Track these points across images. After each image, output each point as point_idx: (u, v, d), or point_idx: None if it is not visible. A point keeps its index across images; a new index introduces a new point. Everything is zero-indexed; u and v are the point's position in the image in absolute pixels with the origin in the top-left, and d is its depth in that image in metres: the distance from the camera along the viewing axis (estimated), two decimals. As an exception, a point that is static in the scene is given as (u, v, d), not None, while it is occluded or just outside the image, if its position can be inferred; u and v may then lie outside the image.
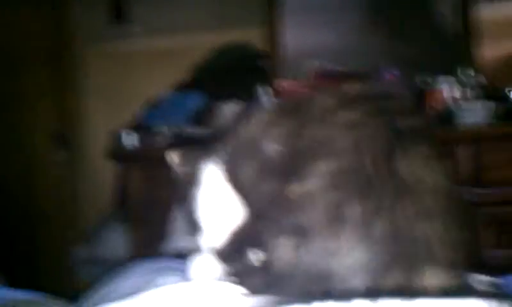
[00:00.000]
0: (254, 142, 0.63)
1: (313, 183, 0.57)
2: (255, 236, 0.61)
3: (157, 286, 0.64)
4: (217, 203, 0.66)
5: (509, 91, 2.07)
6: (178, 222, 1.86)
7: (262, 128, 0.64)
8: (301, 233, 0.56)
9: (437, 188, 0.58)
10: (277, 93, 2.26)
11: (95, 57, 2.91)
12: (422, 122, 0.64)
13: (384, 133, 0.59)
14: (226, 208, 0.65)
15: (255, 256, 0.61)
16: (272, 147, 0.62)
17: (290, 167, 0.59)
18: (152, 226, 2.03)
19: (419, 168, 0.58)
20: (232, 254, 0.64)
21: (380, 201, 0.55)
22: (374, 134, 0.58)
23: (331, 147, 0.58)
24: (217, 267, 0.65)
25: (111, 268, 0.90)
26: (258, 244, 0.61)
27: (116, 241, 2.34)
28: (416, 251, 0.55)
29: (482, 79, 2.21)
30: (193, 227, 0.69)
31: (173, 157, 0.74)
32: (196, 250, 0.69)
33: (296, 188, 0.58)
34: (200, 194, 0.68)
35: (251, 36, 2.54)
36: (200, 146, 0.73)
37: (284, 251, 0.57)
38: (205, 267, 0.66)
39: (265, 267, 0.59)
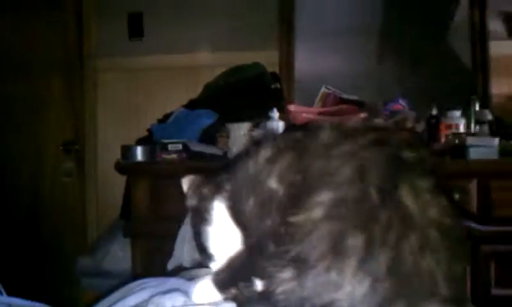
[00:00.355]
0: (256, 178, 0.65)
1: (315, 213, 0.56)
2: (255, 266, 0.61)
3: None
4: (221, 237, 0.68)
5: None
6: (182, 238, 1.86)
7: (264, 164, 0.65)
8: (302, 263, 0.55)
9: (441, 222, 0.57)
10: (287, 117, 2.27)
11: (110, 71, 2.94)
12: (427, 155, 0.64)
13: (387, 164, 0.58)
14: (228, 242, 0.67)
15: (252, 286, 0.62)
16: (273, 182, 0.63)
17: (292, 199, 0.59)
18: (156, 240, 2.03)
19: (424, 201, 0.57)
20: (228, 281, 0.66)
21: (385, 232, 0.54)
22: (376, 164, 0.58)
23: (332, 177, 0.58)
24: (218, 293, 0.67)
25: (114, 280, 0.90)
26: (258, 273, 0.61)
27: (120, 254, 2.34)
28: (420, 285, 0.54)
29: (494, 115, 2.21)
30: (200, 253, 0.72)
31: (184, 184, 0.76)
32: (200, 274, 0.71)
33: (297, 219, 0.57)
34: (206, 228, 0.69)
35: (264, 58, 2.56)
36: (207, 175, 0.74)
37: (285, 281, 0.56)
38: (208, 291, 0.67)
39: (266, 296, 0.58)
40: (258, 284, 0.62)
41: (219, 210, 0.69)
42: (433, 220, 0.57)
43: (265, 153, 0.66)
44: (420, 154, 0.61)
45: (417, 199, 0.56)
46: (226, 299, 0.65)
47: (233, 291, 0.65)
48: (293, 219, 0.58)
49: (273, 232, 0.60)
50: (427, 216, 0.56)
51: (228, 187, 0.69)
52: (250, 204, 0.64)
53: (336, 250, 0.54)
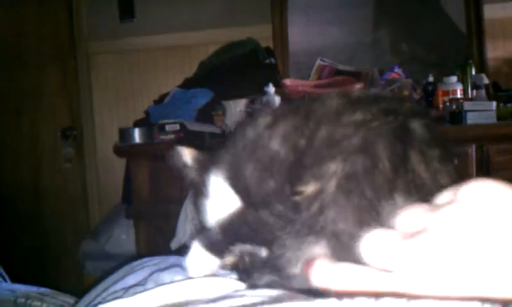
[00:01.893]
0: (256, 142, 0.62)
1: (329, 184, 0.54)
2: (259, 226, 0.59)
3: (164, 283, 0.64)
4: (219, 211, 0.65)
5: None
6: (184, 218, 1.87)
7: (264, 128, 0.62)
8: (334, 237, 0.53)
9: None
10: (283, 91, 2.26)
11: (103, 54, 2.93)
12: (432, 123, 0.62)
13: (397, 133, 0.56)
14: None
15: (254, 251, 0.59)
16: (275, 144, 0.60)
17: (298, 164, 0.57)
18: (159, 221, 2.05)
19: (435, 169, 0.56)
20: (224, 245, 0.62)
21: (404, 200, 0.52)
22: (387, 134, 0.56)
23: (341, 147, 0.55)
24: (213, 261, 0.64)
25: (117, 263, 0.91)
26: (263, 236, 0.59)
27: (123, 236, 2.36)
28: None
29: (490, 79, 2.20)
30: (199, 228, 0.68)
31: (185, 154, 0.71)
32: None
33: (309, 189, 0.55)
34: (204, 202, 0.66)
35: (257, 33, 2.55)
36: (207, 148, 0.71)
37: (292, 249, 0.55)
38: (200, 261, 0.65)
39: (269, 263, 0.57)
40: (262, 250, 0.59)
41: (217, 182, 0.65)
42: (443, 188, 0.56)
43: (264, 119, 0.64)
44: (426, 123, 0.60)
45: (428, 167, 0.55)
46: (223, 268, 0.63)
47: (230, 257, 0.60)
48: (304, 188, 0.56)
49: (279, 194, 0.58)
50: (438, 184, 0.55)
51: (226, 157, 0.66)
52: (250, 169, 0.61)
53: (361, 223, 0.52)
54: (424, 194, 0.53)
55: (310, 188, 0.55)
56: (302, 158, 0.57)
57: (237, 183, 0.63)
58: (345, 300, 0.38)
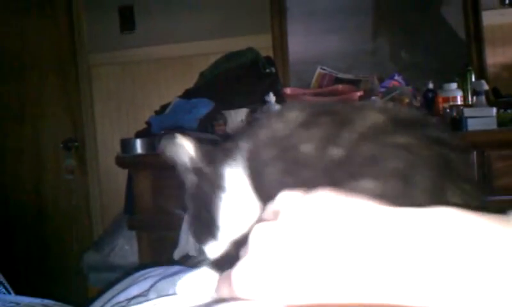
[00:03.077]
0: (287, 140, 0.56)
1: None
2: None
3: (166, 294, 0.64)
4: (239, 210, 0.59)
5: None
6: (186, 227, 1.87)
7: (296, 127, 0.57)
8: None
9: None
10: (284, 100, 2.27)
11: (104, 65, 2.94)
12: (467, 156, 0.60)
13: (438, 164, 0.54)
14: (245, 216, 0.58)
15: None
16: (309, 148, 0.55)
17: (330, 175, 0.53)
18: (161, 231, 2.05)
19: (468, 202, 0.53)
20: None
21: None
22: (428, 163, 0.53)
23: (379, 166, 0.52)
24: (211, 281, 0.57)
25: (121, 274, 0.91)
26: None
27: (126, 247, 2.36)
28: None
29: (490, 85, 2.21)
30: (210, 233, 0.61)
31: (187, 146, 0.63)
32: (202, 260, 0.62)
33: None
34: (222, 200, 0.59)
35: (257, 43, 2.56)
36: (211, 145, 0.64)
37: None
38: (197, 282, 0.59)
39: None
40: None
41: (235, 177, 0.59)
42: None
43: (296, 116, 0.58)
44: (463, 156, 0.58)
45: (461, 200, 0.53)
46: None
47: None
48: None
49: None
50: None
51: (245, 151, 0.59)
52: (274, 170, 0.56)
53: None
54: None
55: None
56: (336, 170, 0.53)
57: (259, 183, 0.57)
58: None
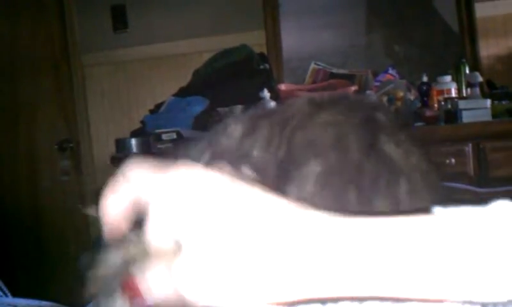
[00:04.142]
0: (237, 153, 0.61)
1: (309, 185, 0.57)
2: None
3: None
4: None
5: None
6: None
7: (241, 138, 0.62)
8: None
9: (421, 167, 0.60)
10: (278, 96, 2.27)
11: (97, 65, 2.93)
12: (398, 117, 0.66)
13: (364, 124, 0.60)
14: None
15: None
16: (259, 154, 0.60)
17: (280, 173, 0.58)
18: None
19: (404, 149, 0.59)
20: None
21: (375, 182, 0.56)
22: (354, 126, 0.59)
23: (316, 147, 0.58)
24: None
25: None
26: None
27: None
28: None
29: (484, 77, 2.21)
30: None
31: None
32: None
33: (291, 194, 0.56)
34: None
35: (251, 39, 2.55)
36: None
37: None
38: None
39: None
40: None
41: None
42: (415, 166, 0.59)
43: (236, 128, 0.62)
44: (391, 114, 0.65)
45: (398, 148, 0.59)
46: None
47: None
48: (287, 195, 0.58)
49: None
50: (409, 162, 0.59)
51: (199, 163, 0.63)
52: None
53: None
54: (395, 171, 0.57)
55: (289, 195, 0.56)
56: (284, 166, 0.58)
57: None
58: (329, 304, 0.39)
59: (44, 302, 0.77)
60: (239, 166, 0.60)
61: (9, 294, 0.89)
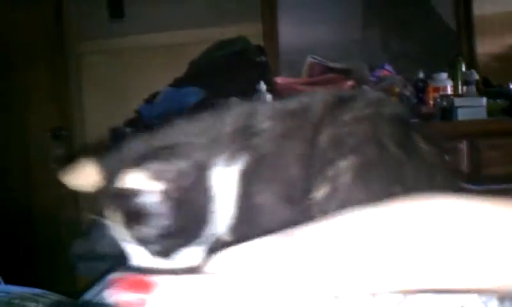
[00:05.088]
0: (274, 158, 0.61)
1: (345, 177, 0.57)
2: None
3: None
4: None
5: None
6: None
7: (278, 140, 0.62)
8: None
9: (445, 162, 0.64)
10: (275, 89, 2.26)
11: (93, 54, 2.91)
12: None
13: (394, 119, 0.61)
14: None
15: None
16: (293, 164, 0.61)
17: (307, 175, 0.59)
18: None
19: (432, 145, 0.62)
20: None
21: (417, 176, 0.58)
22: (385, 122, 0.60)
23: (347, 144, 0.59)
24: None
25: (109, 264, 0.90)
26: None
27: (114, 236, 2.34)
28: None
29: (480, 75, 2.22)
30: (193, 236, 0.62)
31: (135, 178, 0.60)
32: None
33: (321, 192, 0.58)
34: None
35: (247, 32, 2.54)
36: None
37: None
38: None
39: None
40: None
41: (226, 183, 0.61)
42: (442, 160, 0.64)
43: (268, 124, 0.63)
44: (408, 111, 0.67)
45: (427, 144, 0.61)
46: None
47: None
48: (316, 193, 0.58)
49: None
50: (435, 155, 0.62)
51: (240, 159, 0.61)
52: (262, 192, 0.60)
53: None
54: (431, 166, 0.60)
55: (321, 191, 0.57)
56: (310, 166, 0.59)
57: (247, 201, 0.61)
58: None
59: (37, 290, 0.77)
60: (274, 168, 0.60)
61: (1, 281, 0.89)
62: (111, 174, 0.62)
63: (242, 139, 0.62)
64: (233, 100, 2.16)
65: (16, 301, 0.70)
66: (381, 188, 0.56)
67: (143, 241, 0.60)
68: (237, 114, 0.65)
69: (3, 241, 2.97)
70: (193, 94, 2.30)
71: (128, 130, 2.16)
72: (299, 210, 0.58)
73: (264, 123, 0.63)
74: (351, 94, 0.67)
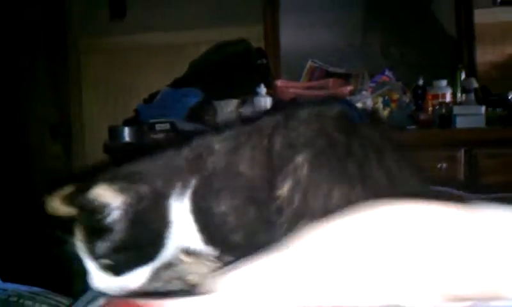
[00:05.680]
0: (225, 170, 0.65)
1: (303, 170, 0.62)
2: None
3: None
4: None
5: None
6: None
7: (226, 155, 0.66)
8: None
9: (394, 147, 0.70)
10: (274, 92, 2.26)
11: (93, 52, 2.91)
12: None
13: (339, 115, 0.68)
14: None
15: None
16: (245, 168, 0.64)
17: (272, 173, 0.64)
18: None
19: (380, 133, 0.70)
20: None
21: (366, 157, 0.64)
22: (331, 118, 0.68)
23: (299, 142, 0.64)
24: None
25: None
26: None
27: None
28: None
29: (480, 83, 2.22)
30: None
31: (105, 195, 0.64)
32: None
33: (284, 188, 0.62)
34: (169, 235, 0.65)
35: (248, 34, 2.54)
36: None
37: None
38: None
39: None
40: None
41: (181, 210, 0.65)
42: (391, 145, 0.69)
43: (221, 145, 0.67)
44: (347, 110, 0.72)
45: (374, 131, 0.68)
46: None
47: None
48: (281, 191, 0.62)
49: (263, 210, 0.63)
50: (386, 141, 0.68)
51: (192, 183, 0.65)
52: (228, 196, 0.64)
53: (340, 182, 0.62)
54: (379, 149, 0.65)
55: (285, 188, 0.62)
56: (269, 169, 0.64)
57: (206, 219, 0.64)
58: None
59: (35, 288, 0.77)
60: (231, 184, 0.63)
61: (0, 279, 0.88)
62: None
63: (194, 166, 0.66)
64: (233, 101, 2.17)
65: (14, 298, 0.70)
66: (336, 172, 0.61)
67: (96, 255, 0.66)
68: (193, 147, 0.68)
69: (3, 241, 2.96)
70: (192, 95, 2.30)
71: (126, 129, 2.16)
72: (267, 208, 0.62)
73: (217, 144, 0.67)
74: (296, 110, 0.71)
